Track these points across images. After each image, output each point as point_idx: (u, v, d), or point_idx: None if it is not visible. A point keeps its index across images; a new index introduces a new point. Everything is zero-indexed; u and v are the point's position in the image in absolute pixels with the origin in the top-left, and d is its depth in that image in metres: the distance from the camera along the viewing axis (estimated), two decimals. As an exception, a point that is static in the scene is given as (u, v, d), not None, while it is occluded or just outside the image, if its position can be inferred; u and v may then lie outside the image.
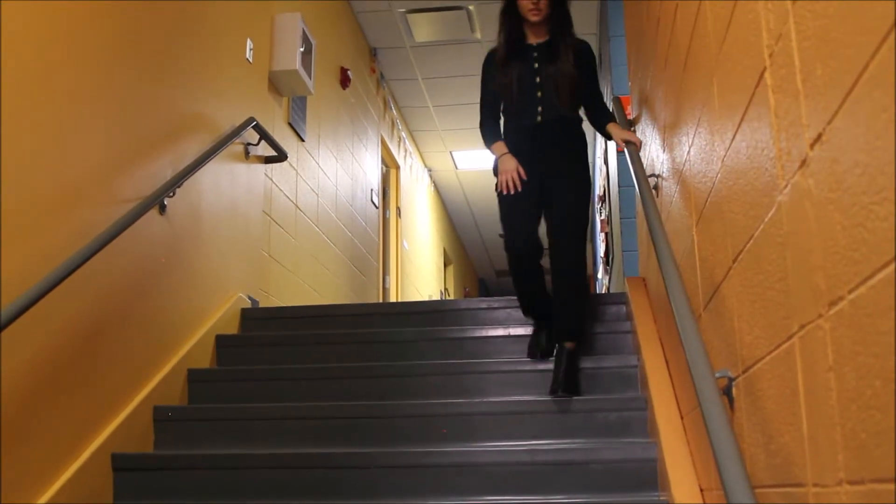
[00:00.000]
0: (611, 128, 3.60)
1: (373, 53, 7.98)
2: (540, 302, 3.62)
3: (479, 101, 3.79)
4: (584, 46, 3.68)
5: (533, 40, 3.64)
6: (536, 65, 3.58)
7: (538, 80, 3.55)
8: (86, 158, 3.03)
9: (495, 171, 3.63)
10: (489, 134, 3.69)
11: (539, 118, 3.54)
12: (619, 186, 5.44)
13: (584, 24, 7.27)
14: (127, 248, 3.24)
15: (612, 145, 6.12)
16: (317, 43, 5.64)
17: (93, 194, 3.07)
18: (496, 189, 3.59)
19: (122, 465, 3.07)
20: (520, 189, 3.45)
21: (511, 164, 3.50)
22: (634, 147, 3.27)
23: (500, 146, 3.60)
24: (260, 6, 5.00)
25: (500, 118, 3.71)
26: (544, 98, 3.54)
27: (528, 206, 3.52)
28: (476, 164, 10.65)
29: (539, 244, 3.53)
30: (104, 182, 3.15)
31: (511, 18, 3.60)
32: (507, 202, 3.55)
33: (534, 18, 3.52)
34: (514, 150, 3.55)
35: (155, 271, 3.54)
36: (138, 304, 3.37)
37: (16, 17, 2.65)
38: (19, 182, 2.62)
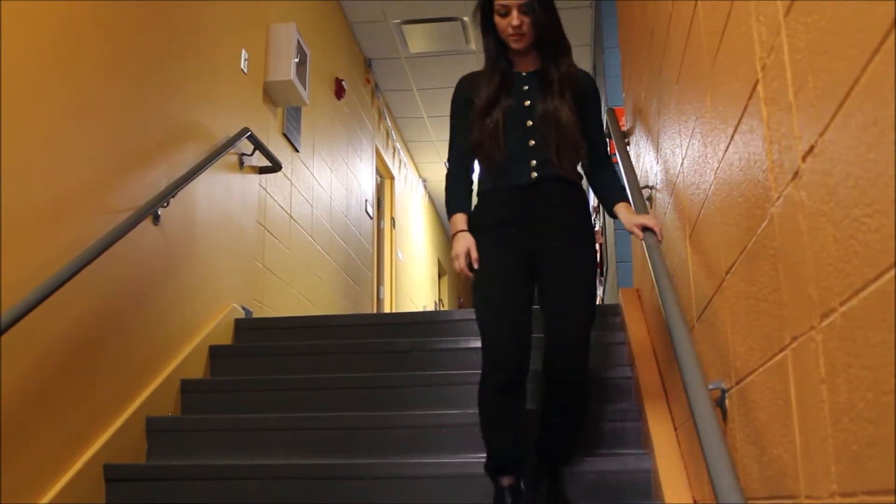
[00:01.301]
0: (621, 210, 2.70)
1: (368, 64, 7.99)
2: (518, 445, 2.64)
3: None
4: (587, 81, 2.84)
5: (522, 68, 2.79)
6: (528, 102, 2.71)
7: (530, 123, 2.69)
8: (80, 168, 3.03)
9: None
10: (453, 197, 2.80)
11: (533, 175, 2.67)
12: (613, 197, 5.44)
13: (578, 35, 7.30)
14: (120, 258, 3.23)
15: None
16: (312, 53, 5.65)
17: (87, 204, 3.07)
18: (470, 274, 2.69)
19: (115, 476, 3.06)
20: (471, 270, 2.65)
21: (461, 247, 2.65)
22: (655, 238, 2.45)
23: (459, 220, 2.72)
24: (255, 17, 5.00)
25: (472, 169, 2.85)
26: (539, 148, 2.68)
27: (519, 305, 2.64)
28: (471, 174, 10.66)
29: (528, 362, 2.64)
30: (98, 192, 3.15)
31: (493, 42, 2.76)
32: (487, 300, 2.67)
33: (516, 45, 2.69)
34: (498, 221, 2.70)
35: (149, 281, 3.53)
36: (132, 315, 3.36)
37: (12, 29, 2.65)
38: (12, 192, 2.62)
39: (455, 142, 2.85)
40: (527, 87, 2.75)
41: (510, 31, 2.66)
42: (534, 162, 2.67)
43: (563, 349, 2.62)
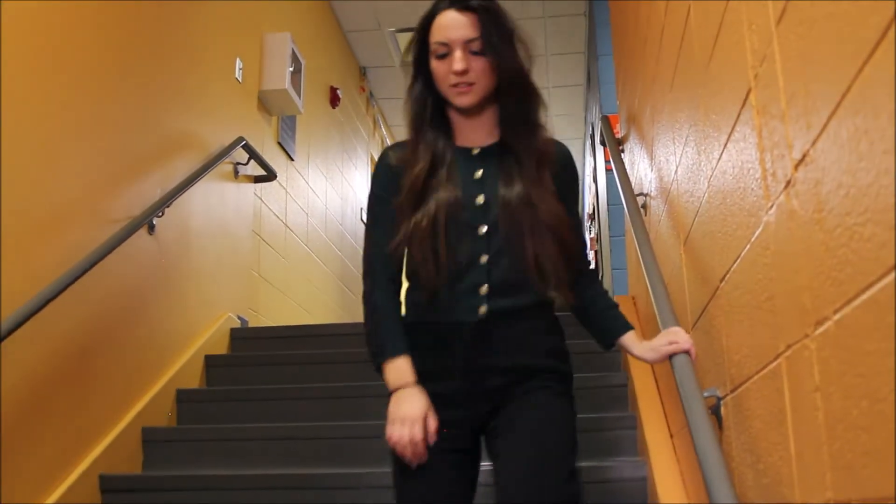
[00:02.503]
0: (631, 342, 1.83)
1: (362, 72, 8.00)
2: None
3: None
4: (565, 157, 1.90)
5: (470, 141, 1.85)
6: (481, 197, 1.78)
7: (484, 229, 1.76)
8: (76, 178, 3.03)
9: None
10: (383, 332, 1.79)
11: (482, 310, 1.75)
12: (608, 204, 5.46)
13: (572, 43, 7.32)
14: (116, 267, 3.23)
15: (600, 161, 6.15)
16: (306, 62, 5.65)
17: (82, 214, 3.07)
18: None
19: (110, 487, 3.05)
20: (424, 459, 1.69)
21: (414, 408, 1.69)
22: (689, 357, 1.71)
23: (404, 369, 1.74)
24: (249, 26, 5.01)
25: (400, 283, 1.85)
26: (495, 268, 1.76)
27: (452, 472, 1.76)
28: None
29: None
30: (94, 202, 3.15)
31: (426, 97, 1.83)
32: (408, 469, 1.73)
33: (460, 101, 1.77)
34: (428, 375, 1.75)
35: (144, 291, 3.53)
36: (127, 324, 3.36)
37: (9, 39, 2.65)
38: (8, 202, 2.61)
39: (375, 239, 1.82)
40: (480, 173, 1.81)
41: (452, 79, 1.74)
42: (485, 288, 1.75)
43: None
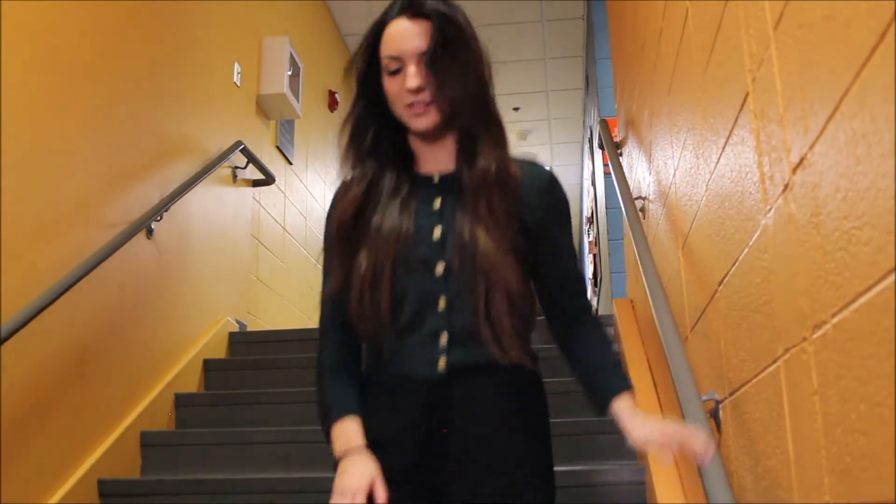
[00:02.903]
0: (624, 409, 1.50)
1: (361, 76, 8.00)
2: None
3: None
4: (541, 182, 1.58)
5: (430, 167, 1.58)
6: (438, 229, 1.51)
7: (441, 268, 1.48)
8: (75, 183, 3.03)
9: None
10: (330, 390, 1.56)
11: (442, 363, 1.47)
12: (606, 208, 5.46)
13: (571, 47, 7.33)
14: (114, 271, 3.23)
15: (598, 165, 6.15)
16: (305, 66, 5.65)
17: (81, 218, 3.06)
18: None
19: (109, 491, 3.04)
20: None
21: (358, 482, 1.43)
22: (707, 459, 1.34)
23: (352, 432, 1.52)
24: (248, 30, 5.01)
25: (355, 341, 1.57)
26: (456, 313, 1.47)
27: None
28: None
29: None
30: (93, 206, 3.15)
31: (370, 125, 1.56)
32: None
33: (419, 124, 1.49)
34: (379, 441, 1.50)
35: (142, 295, 3.53)
36: (125, 329, 3.36)
37: (9, 45, 2.65)
38: (7, 206, 2.61)
39: (324, 288, 1.61)
40: (439, 202, 1.54)
41: (406, 98, 1.47)
42: (444, 338, 1.47)
43: None
